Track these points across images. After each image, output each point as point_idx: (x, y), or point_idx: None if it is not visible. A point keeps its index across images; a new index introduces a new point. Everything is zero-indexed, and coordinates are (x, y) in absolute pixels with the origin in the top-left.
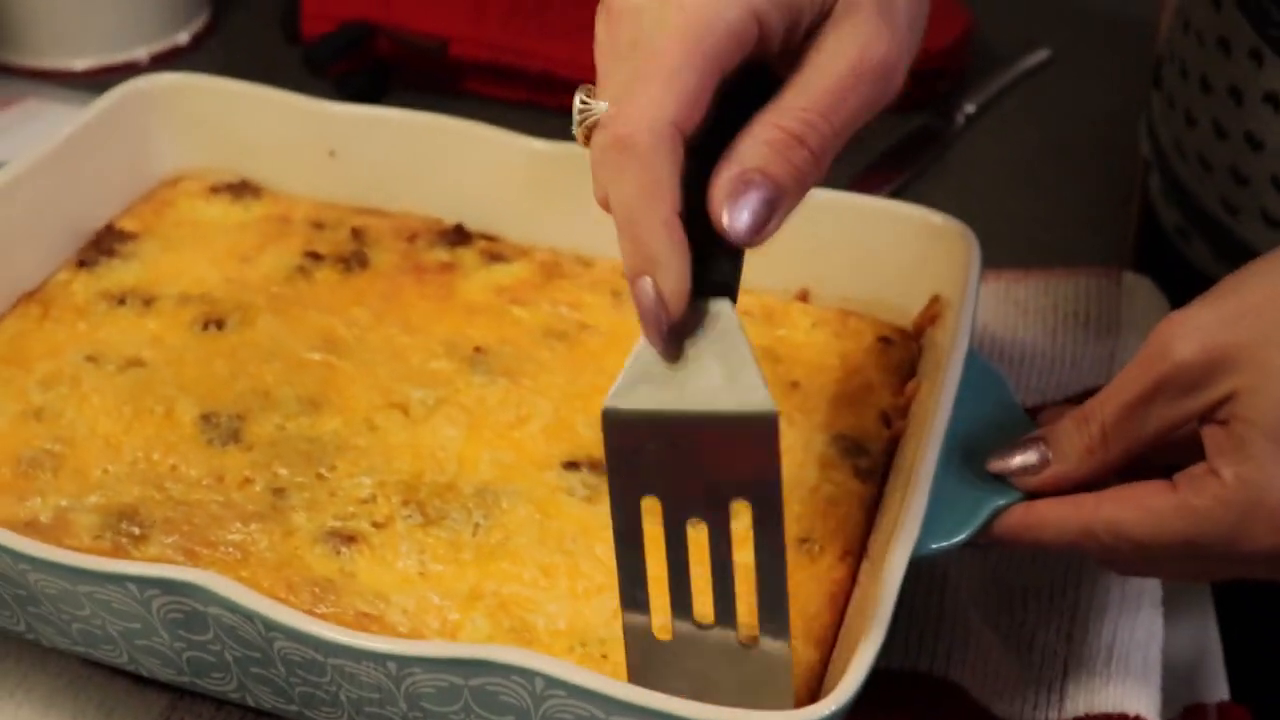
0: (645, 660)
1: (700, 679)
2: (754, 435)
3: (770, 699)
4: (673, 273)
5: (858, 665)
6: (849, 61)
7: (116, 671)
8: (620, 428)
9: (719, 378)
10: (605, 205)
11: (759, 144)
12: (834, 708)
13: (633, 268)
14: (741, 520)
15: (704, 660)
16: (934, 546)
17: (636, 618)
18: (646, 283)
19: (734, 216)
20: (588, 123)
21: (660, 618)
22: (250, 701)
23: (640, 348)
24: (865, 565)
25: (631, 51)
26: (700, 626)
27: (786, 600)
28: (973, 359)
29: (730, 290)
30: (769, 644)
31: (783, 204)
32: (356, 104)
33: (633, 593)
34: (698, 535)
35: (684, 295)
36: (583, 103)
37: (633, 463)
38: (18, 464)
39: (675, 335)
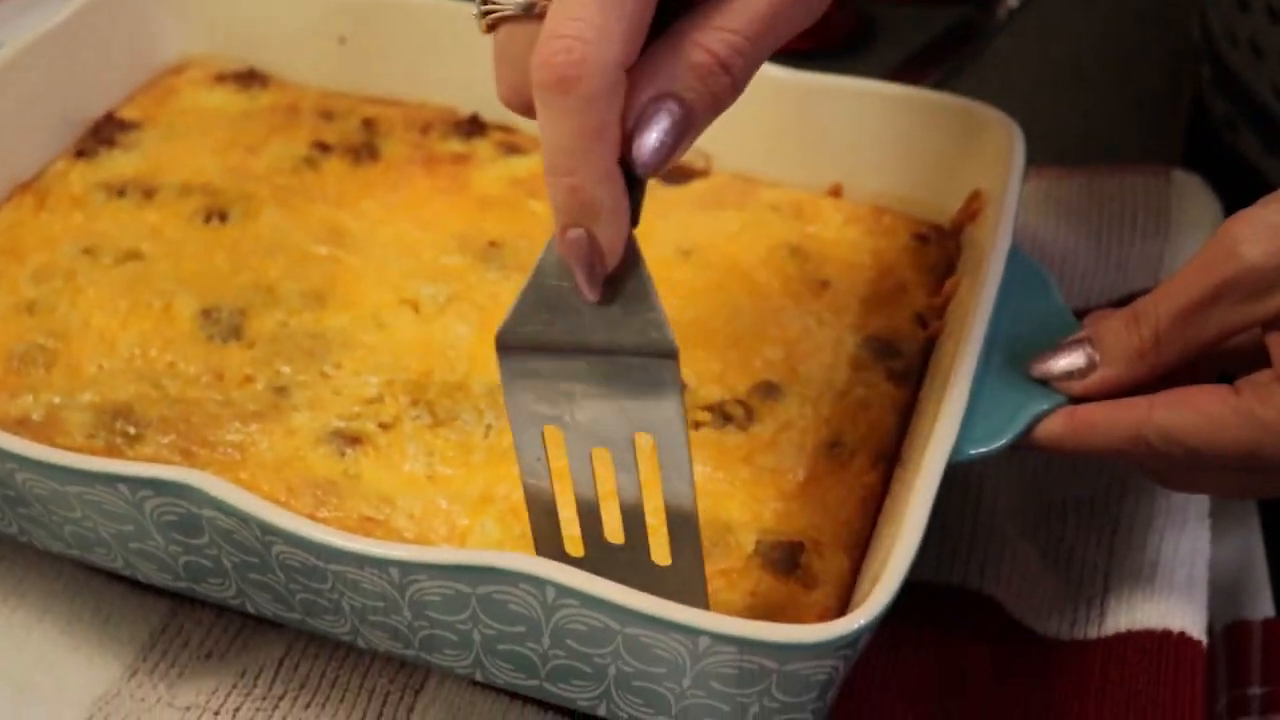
0: None
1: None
2: (655, 374)
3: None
4: (614, 225)
5: (890, 576)
6: None
7: (114, 576)
8: (515, 356)
9: (619, 315)
10: (510, 102)
11: (683, 66)
12: (865, 620)
13: (567, 215)
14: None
15: (617, 579)
16: (972, 452)
17: (547, 542)
18: (580, 233)
19: (642, 142)
20: (493, 16)
21: (572, 535)
22: (251, 608)
23: (540, 265)
24: (898, 472)
25: None
26: (610, 546)
27: (698, 534)
28: (1016, 256)
29: (635, 218)
30: (682, 562)
31: (692, 133)
32: None
33: (543, 526)
34: (603, 461)
35: (622, 246)
36: None
37: (530, 391)
38: (9, 359)
39: (608, 281)
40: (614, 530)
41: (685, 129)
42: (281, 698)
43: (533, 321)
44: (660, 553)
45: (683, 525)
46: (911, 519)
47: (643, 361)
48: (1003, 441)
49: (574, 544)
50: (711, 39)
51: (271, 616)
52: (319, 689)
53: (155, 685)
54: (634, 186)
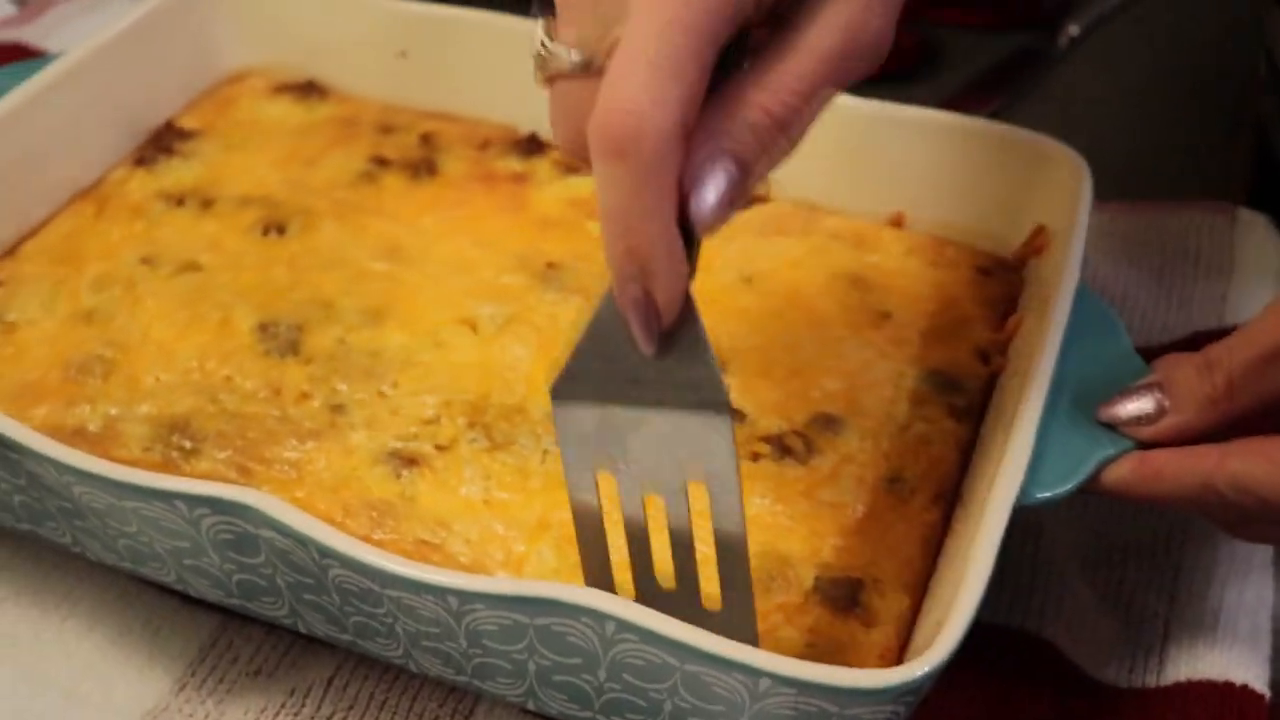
0: None
1: None
2: (708, 428)
3: None
4: (671, 282)
5: (955, 622)
6: (841, 37)
7: (165, 589)
8: (571, 410)
9: (674, 370)
10: (568, 153)
11: (740, 126)
12: (930, 666)
13: (623, 271)
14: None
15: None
16: (1039, 496)
17: (599, 585)
18: (639, 290)
19: (700, 202)
20: (551, 71)
21: (623, 580)
22: (302, 628)
23: (597, 317)
24: (960, 511)
25: None
26: (662, 591)
27: (749, 580)
28: (1084, 296)
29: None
30: (731, 604)
31: (749, 190)
32: (430, 3)
33: (595, 569)
34: (656, 509)
35: (680, 302)
36: (544, 46)
37: (584, 440)
38: (67, 368)
39: (664, 336)
40: (665, 575)
41: (742, 187)
42: (330, 718)
43: (588, 373)
44: (711, 599)
45: (734, 571)
46: (977, 563)
47: (697, 416)
48: (1069, 486)
49: (625, 588)
50: (768, 99)
51: (323, 637)
52: (367, 710)
53: (203, 701)
54: (690, 243)
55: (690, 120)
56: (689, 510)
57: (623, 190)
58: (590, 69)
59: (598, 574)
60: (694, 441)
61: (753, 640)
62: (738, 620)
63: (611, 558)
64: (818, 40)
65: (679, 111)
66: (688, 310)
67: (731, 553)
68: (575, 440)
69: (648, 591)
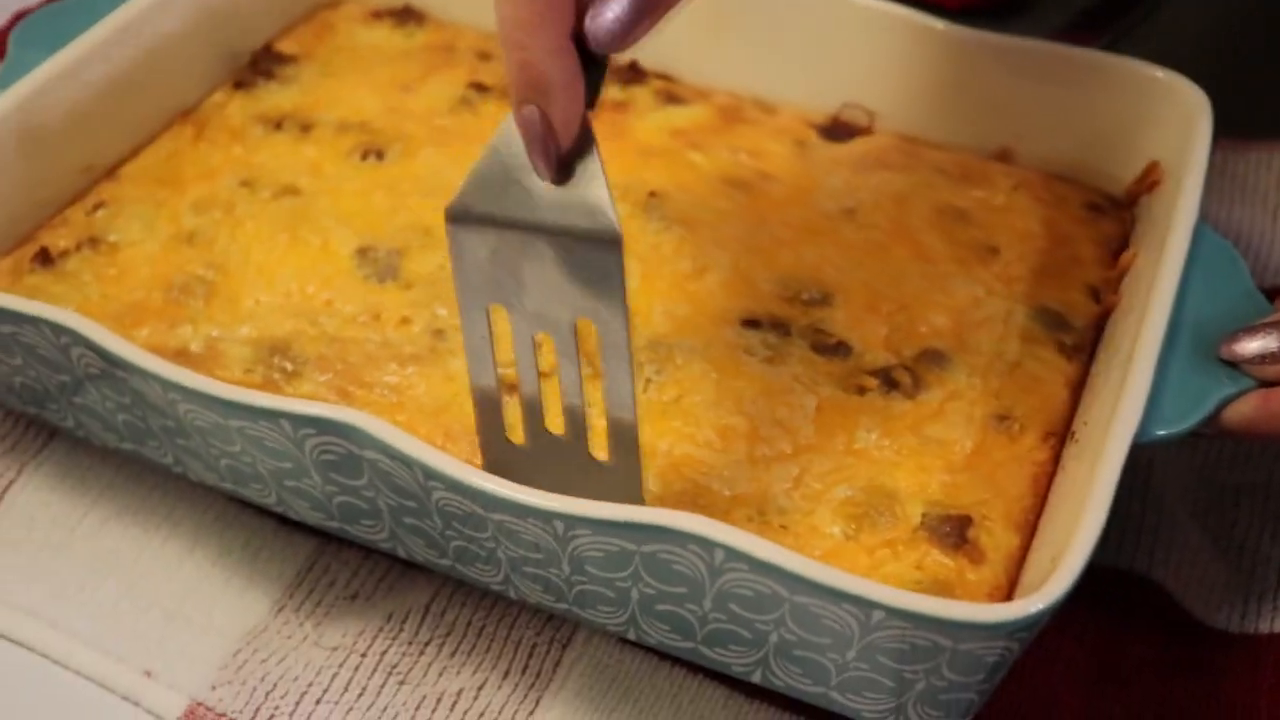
0: (499, 470)
1: (557, 482)
2: (600, 259)
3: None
4: (566, 102)
5: (1072, 559)
6: None
7: (263, 511)
8: (465, 229)
9: (569, 198)
10: None
11: None
12: (1046, 603)
13: (519, 92)
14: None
15: (556, 471)
16: (1158, 433)
17: (491, 426)
18: (533, 110)
19: (597, 17)
20: None
21: (514, 422)
22: (401, 552)
23: (496, 143)
24: (1071, 449)
25: None
26: (551, 436)
27: (635, 423)
28: (1202, 232)
29: (592, 99)
30: (620, 462)
31: (653, 14)
32: None
33: (484, 402)
34: (547, 346)
35: (576, 124)
36: None
37: (478, 268)
38: (169, 289)
39: (562, 161)
40: (555, 419)
41: (643, 8)
42: (427, 644)
43: (485, 196)
44: (600, 449)
45: (623, 421)
46: (1095, 500)
47: (589, 245)
48: (1190, 424)
49: (514, 429)
50: None
51: (421, 562)
52: (465, 637)
53: (302, 623)
54: (592, 66)
55: None
56: (578, 350)
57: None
58: None
59: (490, 417)
60: (584, 271)
61: (639, 494)
62: (626, 474)
63: (504, 396)
64: None
65: None
66: (585, 138)
67: (619, 395)
68: (469, 269)
69: (538, 438)
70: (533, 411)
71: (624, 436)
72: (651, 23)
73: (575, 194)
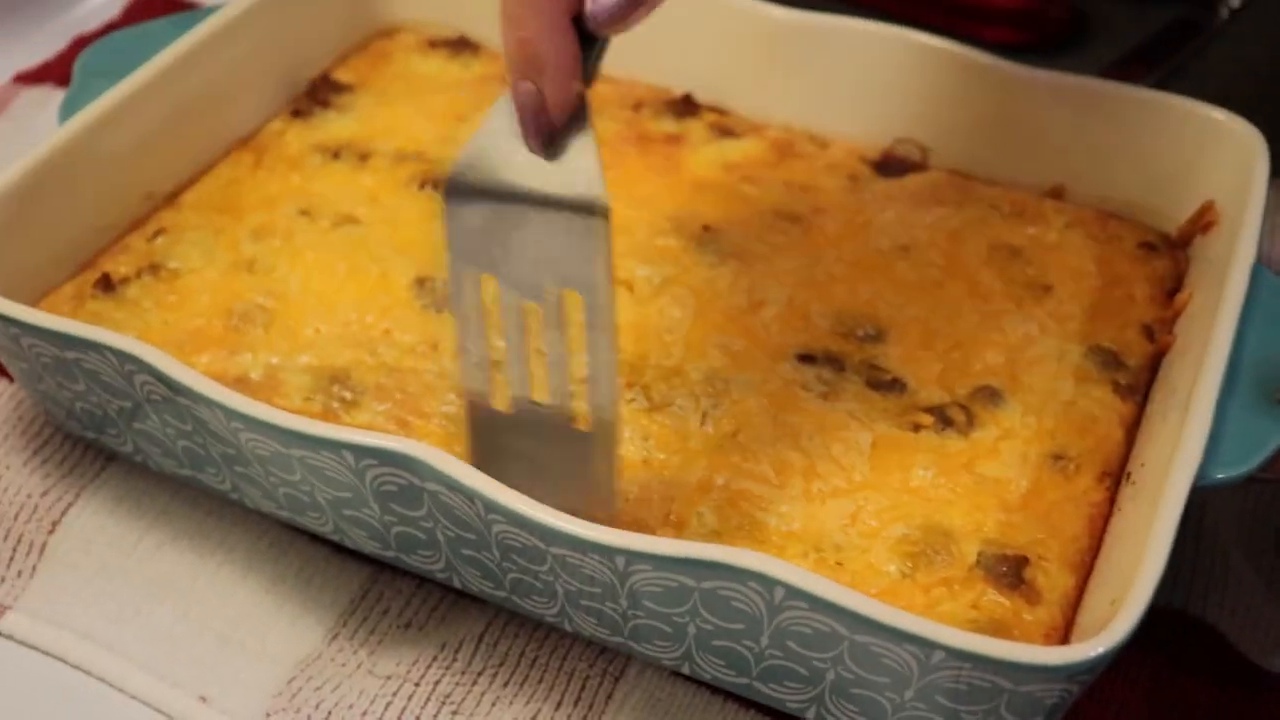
0: (484, 436)
1: (534, 459)
2: (586, 230)
3: (598, 480)
4: (561, 80)
5: (1134, 602)
6: None
7: (317, 538)
8: (460, 199)
9: (560, 172)
10: None
11: None
12: (1108, 646)
13: (516, 68)
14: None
15: (538, 438)
16: (1218, 476)
17: (477, 393)
18: (529, 86)
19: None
20: None
21: (499, 392)
22: (456, 582)
23: (493, 115)
24: (1127, 490)
25: None
26: (535, 404)
27: (616, 389)
28: (1260, 274)
29: (588, 77)
30: (599, 427)
31: (650, 2)
32: None
33: (472, 368)
34: (533, 316)
35: (571, 103)
36: None
37: (470, 238)
38: (229, 317)
39: (552, 136)
40: (540, 387)
41: None
42: (480, 674)
43: (479, 167)
44: (582, 418)
45: (602, 390)
46: (1155, 543)
47: (576, 217)
48: (1250, 467)
49: (500, 396)
50: None
51: (476, 592)
52: (518, 667)
53: (356, 651)
54: (590, 46)
55: None
56: (562, 320)
57: None
58: None
59: (477, 382)
60: (571, 243)
61: (614, 468)
62: (603, 441)
63: (490, 366)
64: None
65: None
66: (580, 115)
67: (600, 365)
68: (462, 237)
69: (522, 404)
70: (519, 378)
71: (603, 404)
72: (650, 7)
73: (566, 167)
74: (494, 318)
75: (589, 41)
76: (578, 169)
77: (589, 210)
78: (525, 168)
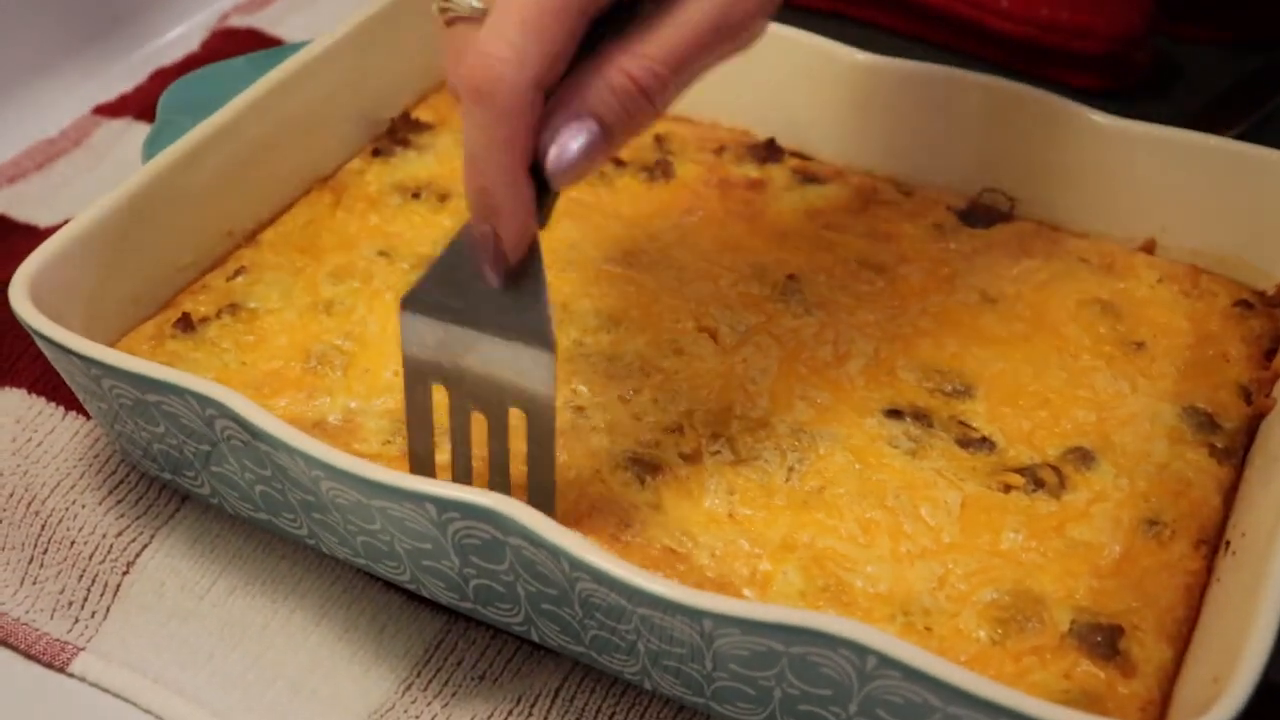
0: None
1: None
2: (534, 362)
3: None
4: (515, 225)
5: (1241, 679)
6: (715, 13)
7: (391, 585)
8: (416, 323)
9: (513, 305)
10: (454, 94)
11: (604, 88)
12: None
13: (474, 210)
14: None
15: None
16: None
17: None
18: (487, 229)
19: (556, 155)
20: (449, 15)
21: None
22: (534, 636)
23: (453, 244)
24: (1227, 560)
25: None
26: None
27: (554, 500)
28: None
29: (543, 220)
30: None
31: (607, 150)
32: None
33: (421, 470)
34: (480, 425)
35: (523, 246)
36: None
37: (426, 355)
38: (307, 359)
39: (510, 272)
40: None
41: (600, 147)
42: None
43: (438, 292)
44: None
45: (542, 498)
46: (1262, 619)
47: (526, 348)
48: None
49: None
50: (633, 64)
51: (554, 647)
52: None
53: (429, 703)
54: (546, 193)
55: (548, 78)
56: (507, 432)
57: (479, 131)
58: (484, 14)
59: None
60: (520, 369)
61: None
62: None
63: (438, 469)
64: (691, 13)
65: (538, 67)
66: (533, 255)
67: (540, 478)
68: (417, 352)
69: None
70: (463, 479)
71: (543, 508)
72: (604, 158)
73: (520, 303)
74: (443, 424)
75: (545, 187)
76: (530, 305)
77: (539, 344)
78: (481, 298)
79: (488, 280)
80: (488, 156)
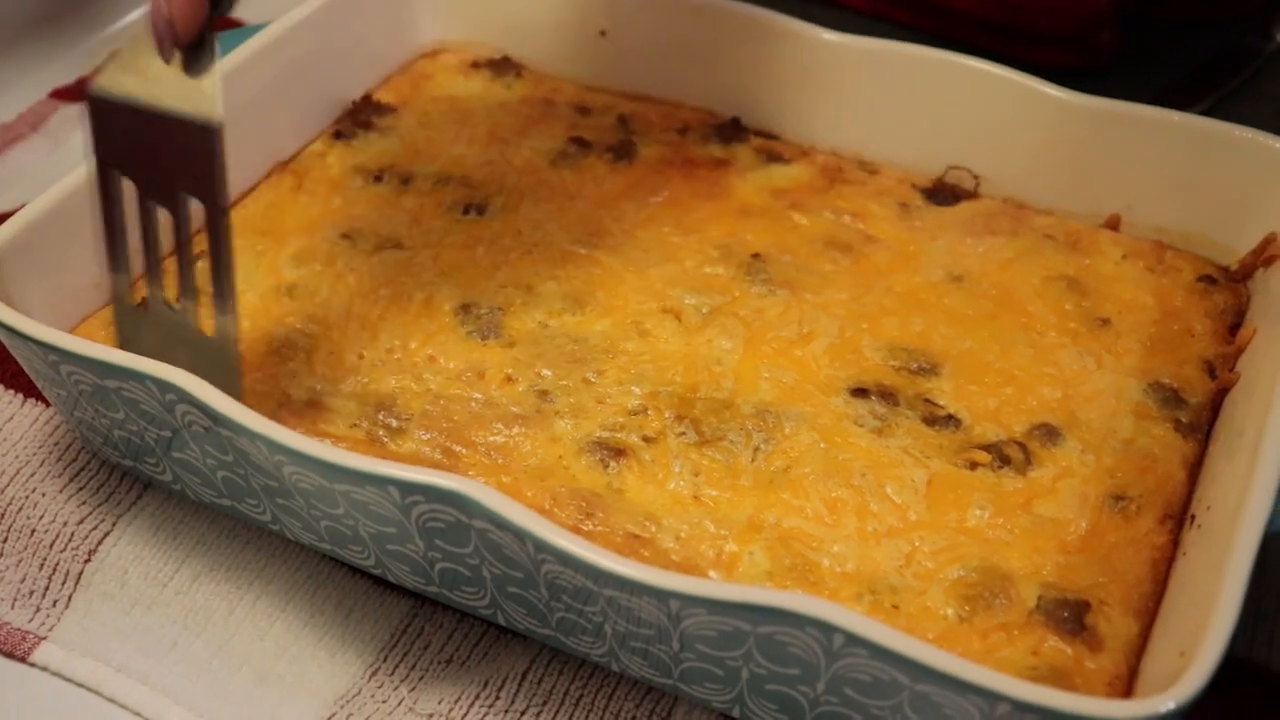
0: (127, 323)
1: (170, 356)
2: (201, 140)
3: (219, 379)
4: (183, 2)
5: (1205, 654)
6: None
7: (356, 570)
8: (101, 108)
9: (187, 81)
10: None
11: None
12: (1179, 701)
13: None
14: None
15: (170, 333)
16: None
17: (120, 281)
18: (160, 4)
19: None
20: None
21: (137, 285)
22: (500, 620)
23: (136, 34)
24: (1191, 534)
25: None
26: (169, 306)
27: (234, 292)
28: None
29: (219, 5)
30: (220, 326)
31: None
32: None
33: (115, 257)
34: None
35: (196, 22)
36: None
37: (110, 143)
38: (271, 341)
39: (186, 51)
40: (172, 291)
41: None
42: (524, 712)
43: (117, 79)
44: (207, 324)
45: (222, 285)
46: (1227, 594)
47: (194, 126)
48: None
49: (138, 295)
50: None
51: (521, 630)
52: (562, 706)
53: (396, 687)
54: None
55: None
56: (189, 227)
57: None
58: None
59: (120, 277)
60: (192, 151)
61: (234, 366)
62: (223, 345)
63: (131, 259)
64: None
65: None
66: (207, 37)
67: (222, 276)
68: (105, 139)
69: (157, 303)
70: (154, 278)
71: (224, 302)
72: None
73: (191, 80)
74: (132, 220)
75: None
76: (199, 86)
77: (205, 121)
78: (160, 79)
79: (162, 58)
80: None
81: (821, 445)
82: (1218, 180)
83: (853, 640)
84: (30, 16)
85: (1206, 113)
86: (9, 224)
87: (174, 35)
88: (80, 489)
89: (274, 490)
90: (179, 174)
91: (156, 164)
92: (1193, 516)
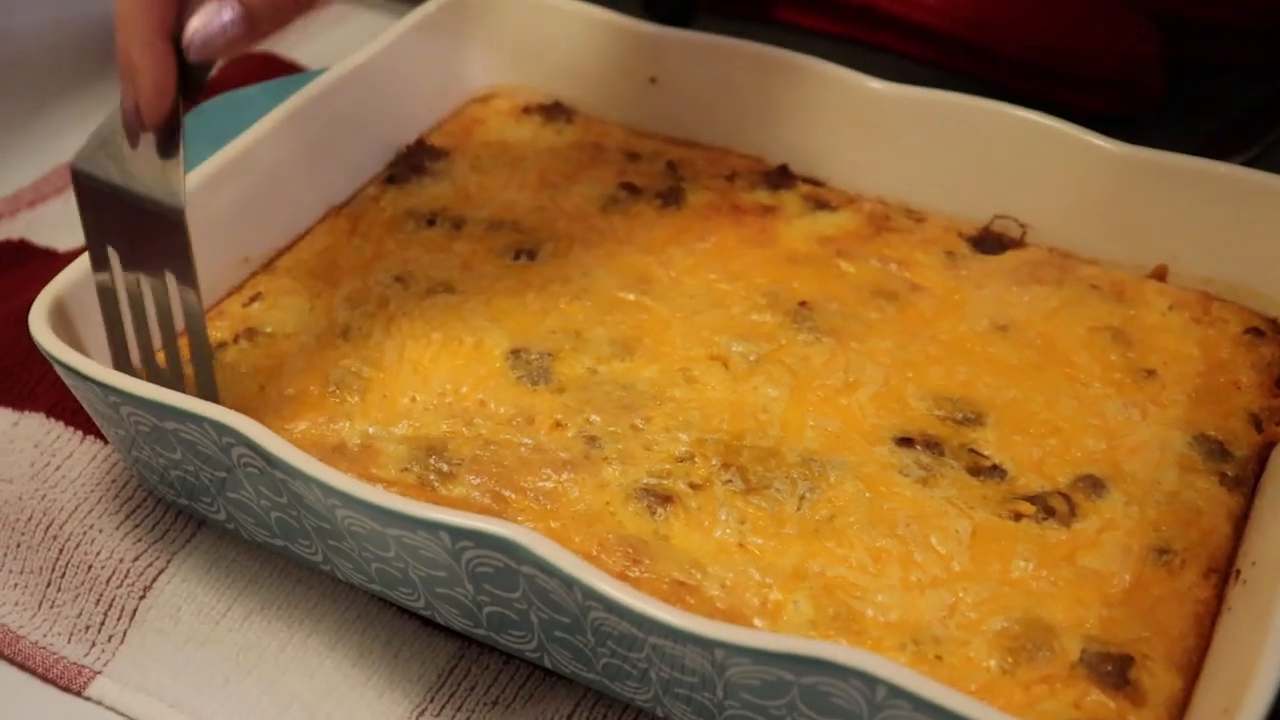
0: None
1: None
2: (170, 224)
3: None
4: (149, 86)
5: (1250, 711)
6: None
7: (405, 610)
8: (82, 184)
9: (158, 169)
10: None
11: None
12: None
13: (120, 68)
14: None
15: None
16: None
17: (118, 348)
18: (128, 91)
19: (192, 27)
20: None
21: (134, 355)
22: (546, 663)
23: (114, 112)
24: (1237, 589)
25: None
26: (159, 365)
27: (210, 358)
28: None
29: (188, 92)
30: (201, 381)
31: (247, 34)
32: (676, 28)
33: (113, 328)
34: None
35: (162, 110)
36: None
37: (95, 215)
38: (325, 383)
39: (155, 136)
40: (159, 354)
41: (240, 30)
42: None
43: (96, 158)
44: (189, 380)
45: (199, 352)
46: (1272, 649)
47: (161, 214)
48: None
49: (136, 362)
50: None
51: (567, 674)
52: None
53: None
54: (193, 68)
55: None
56: (169, 296)
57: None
58: None
59: (118, 339)
60: (162, 232)
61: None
62: (205, 396)
63: (127, 336)
64: None
65: None
66: (174, 124)
67: (195, 337)
68: (92, 213)
69: (150, 367)
70: (143, 341)
71: (202, 362)
72: (244, 41)
73: (160, 168)
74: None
75: (188, 64)
76: (166, 173)
77: (170, 208)
78: (131, 163)
79: (130, 143)
80: (129, 17)
81: (866, 494)
82: (1264, 231)
83: (896, 692)
84: (96, 58)
85: (1254, 159)
86: (73, 266)
87: (140, 121)
88: (136, 526)
89: (326, 532)
90: (155, 252)
91: (137, 240)
92: (1238, 571)
